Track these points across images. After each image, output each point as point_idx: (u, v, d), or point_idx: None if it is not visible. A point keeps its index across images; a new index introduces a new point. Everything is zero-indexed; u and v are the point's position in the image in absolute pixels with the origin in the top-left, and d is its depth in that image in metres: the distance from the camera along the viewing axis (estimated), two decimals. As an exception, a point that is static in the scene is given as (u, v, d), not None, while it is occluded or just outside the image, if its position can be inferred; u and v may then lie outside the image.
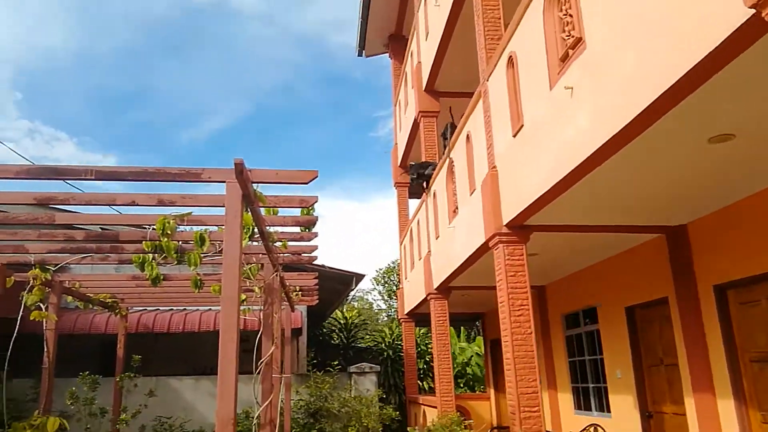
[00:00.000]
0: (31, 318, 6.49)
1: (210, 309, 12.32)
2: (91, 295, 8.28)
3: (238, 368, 3.20)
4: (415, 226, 12.42)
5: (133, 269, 5.44)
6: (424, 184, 10.50)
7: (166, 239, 4.79)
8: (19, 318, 5.81)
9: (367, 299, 35.73)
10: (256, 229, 4.37)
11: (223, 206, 3.42)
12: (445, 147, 10.02)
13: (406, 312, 14.14)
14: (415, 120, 12.01)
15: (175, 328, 11.87)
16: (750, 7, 2.58)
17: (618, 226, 6.47)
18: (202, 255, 5.26)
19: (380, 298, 34.63)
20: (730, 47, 2.88)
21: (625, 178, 4.91)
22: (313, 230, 4.92)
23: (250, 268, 5.89)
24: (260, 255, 5.84)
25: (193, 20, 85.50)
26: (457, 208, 8.47)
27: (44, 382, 6.92)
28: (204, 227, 4.68)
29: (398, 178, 15.12)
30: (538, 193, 5.31)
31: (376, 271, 34.15)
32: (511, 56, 5.82)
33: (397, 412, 12.47)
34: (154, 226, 4.41)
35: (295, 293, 8.04)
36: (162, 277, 5.88)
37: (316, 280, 7.95)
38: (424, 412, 12.36)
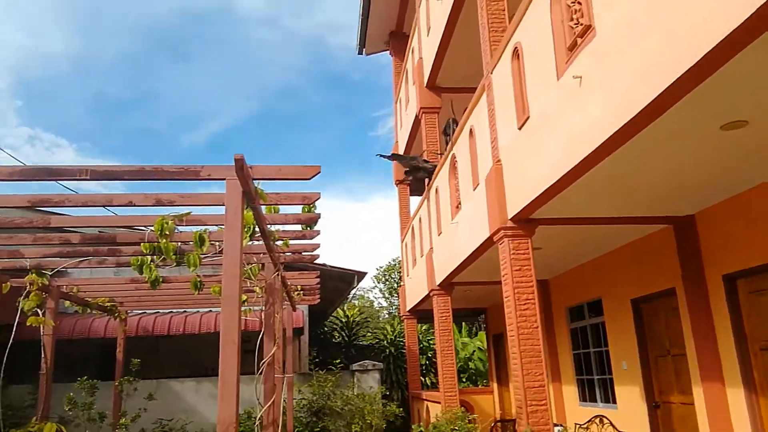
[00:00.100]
0: (28, 324, 6.37)
1: (210, 310, 12.20)
2: (90, 299, 8.17)
3: (240, 369, 3.09)
4: (416, 224, 12.32)
5: (132, 272, 5.32)
6: (426, 181, 10.39)
7: (164, 240, 4.67)
8: (15, 324, 5.66)
9: (368, 297, 35.66)
10: (256, 228, 4.26)
11: (223, 205, 3.31)
12: (446, 144, 9.91)
13: (407, 309, 14.05)
14: (417, 116, 11.89)
15: (176, 331, 11.74)
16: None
17: (625, 218, 6.38)
18: (202, 256, 5.16)
19: (381, 295, 34.55)
20: (747, 31, 2.79)
21: (634, 167, 4.81)
22: (315, 228, 4.80)
23: (250, 268, 5.78)
24: (261, 254, 5.73)
25: (192, 25, 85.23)
26: (460, 203, 8.37)
27: (42, 388, 6.80)
28: (203, 227, 4.56)
29: (399, 176, 14.97)
30: (544, 186, 5.21)
31: (377, 269, 34.08)
32: (516, 47, 5.70)
33: (401, 409, 12.38)
34: (152, 228, 4.30)
35: (296, 293, 7.93)
36: (161, 280, 5.77)
37: (318, 279, 7.84)
38: (427, 407, 12.28)
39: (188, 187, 4.01)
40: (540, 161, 5.30)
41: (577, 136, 4.53)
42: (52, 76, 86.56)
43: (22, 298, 6.22)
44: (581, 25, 4.31)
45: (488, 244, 6.90)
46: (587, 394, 9.50)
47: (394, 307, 32.11)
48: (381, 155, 10.16)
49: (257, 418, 4.94)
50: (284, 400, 7.24)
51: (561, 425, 8.99)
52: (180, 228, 4.82)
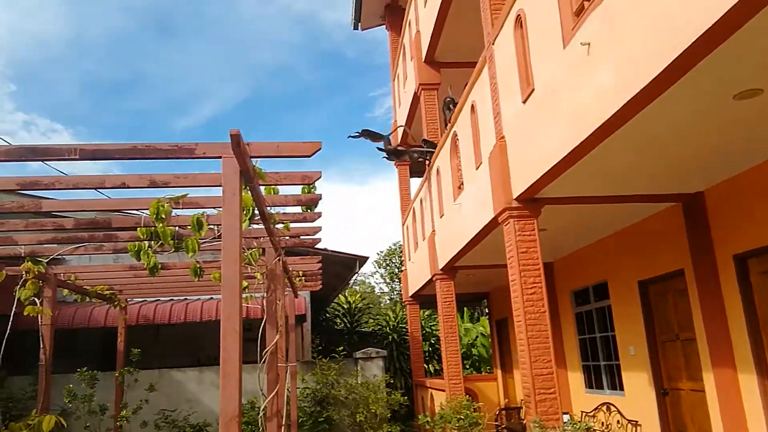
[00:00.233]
0: (25, 313, 6.24)
1: (212, 298, 12.09)
2: (88, 287, 8.05)
3: (242, 359, 2.97)
4: (417, 206, 12.15)
5: (131, 259, 5.18)
6: (427, 162, 10.19)
7: (161, 225, 4.53)
8: (12, 314, 5.54)
9: (369, 283, 35.60)
10: (256, 211, 4.12)
11: (221, 186, 3.16)
12: (446, 124, 9.70)
13: (410, 294, 13.94)
14: (415, 93, 11.64)
15: (177, 319, 11.65)
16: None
17: (632, 196, 6.23)
18: (201, 241, 5.02)
19: (382, 281, 34.49)
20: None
21: (644, 140, 4.66)
22: (316, 210, 4.65)
23: (251, 253, 5.64)
24: (261, 239, 5.59)
25: (183, 2, 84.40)
26: (462, 183, 8.20)
27: (41, 380, 6.69)
28: (201, 210, 4.41)
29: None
30: (551, 163, 5.05)
31: (378, 254, 33.98)
32: (519, 15, 5.51)
33: (405, 398, 12.31)
34: (148, 211, 4.15)
35: (298, 279, 7.80)
36: (160, 266, 5.64)
37: (320, 264, 7.71)
38: (431, 395, 12.22)
39: (185, 167, 3.86)
40: (546, 136, 5.13)
41: (585, 108, 4.36)
42: (44, 57, 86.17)
43: (18, 287, 6.10)
44: (589, -12, 4.13)
45: (492, 225, 6.76)
46: (593, 381, 9.40)
47: (395, 293, 32.07)
48: (351, 135, 9.52)
49: (261, 409, 4.83)
50: (288, 390, 7.14)
51: (568, 413, 8.91)
52: (177, 212, 4.68)
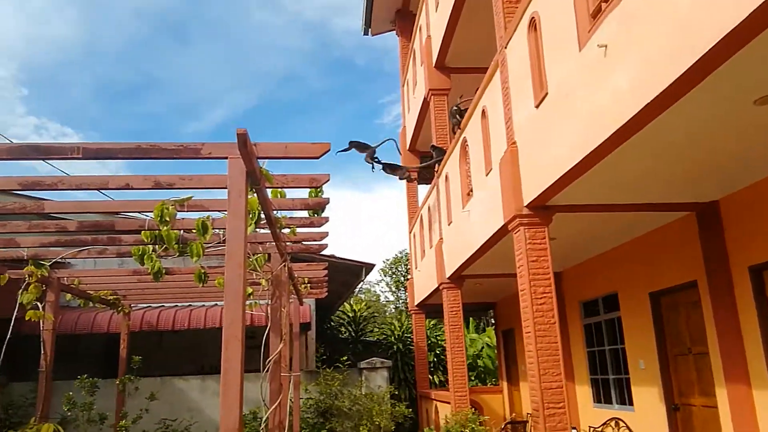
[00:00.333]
0: (27, 318, 6.17)
1: (216, 304, 11.99)
2: (92, 292, 7.98)
3: (244, 368, 2.87)
4: (425, 213, 12.04)
5: (136, 263, 5.10)
6: (435, 167, 10.08)
7: (165, 228, 4.44)
8: (13, 318, 5.45)
9: (375, 291, 35.42)
10: (262, 215, 4.03)
11: (226, 188, 3.07)
12: (453, 132, 9.60)
13: (416, 303, 13.79)
14: (425, 99, 11.56)
15: (180, 325, 11.54)
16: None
17: (646, 205, 6.11)
18: (205, 245, 4.93)
19: (388, 289, 34.30)
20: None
21: (660, 147, 4.55)
22: (324, 214, 4.55)
23: (256, 259, 5.55)
24: (267, 244, 5.50)
25: (194, 8, 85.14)
26: (471, 190, 8.09)
27: (41, 386, 6.58)
28: (206, 213, 4.33)
29: (407, 162, 14.68)
30: (563, 169, 4.94)
31: (384, 262, 33.83)
32: (533, 18, 5.42)
33: (410, 409, 12.13)
34: (152, 214, 4.07)
35: (303, 285, 7.70)
36: (164, 271, 5.55)
37: (326, 271, 7.60)
38: (436, 407, 12.03)
39: (191, 169, 3.78)
40: (559, 142, 5.02)
41: (601, 112, 4.26)
42: (57, 61, 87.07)
43: (21, 290, 6.03)
44: (606, -12, 4.04)
45: (502, 233, 6.64)
46: (602, 395, 9.23)
47: (401, 302, 31.87)
48: (339, 150, 9.08)
49: (263, 420, 4.71)
50: (290, 400, 7.02)
51: (576, 428, 8.72)
52: (182, 215, 4.60)
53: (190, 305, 12.13)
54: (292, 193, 4.16)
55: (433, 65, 10.96)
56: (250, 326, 9.67)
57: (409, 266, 17.30)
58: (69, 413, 8.44)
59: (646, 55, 3.69)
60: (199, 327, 11.63)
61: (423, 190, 13.88)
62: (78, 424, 8.57)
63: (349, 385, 11.99)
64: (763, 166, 5.20)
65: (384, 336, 17.44)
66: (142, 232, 4.67)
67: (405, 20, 15.48)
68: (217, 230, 4.73)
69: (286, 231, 4.88)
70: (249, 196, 3.49)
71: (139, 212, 4.48)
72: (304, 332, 13.31)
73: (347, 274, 14.26)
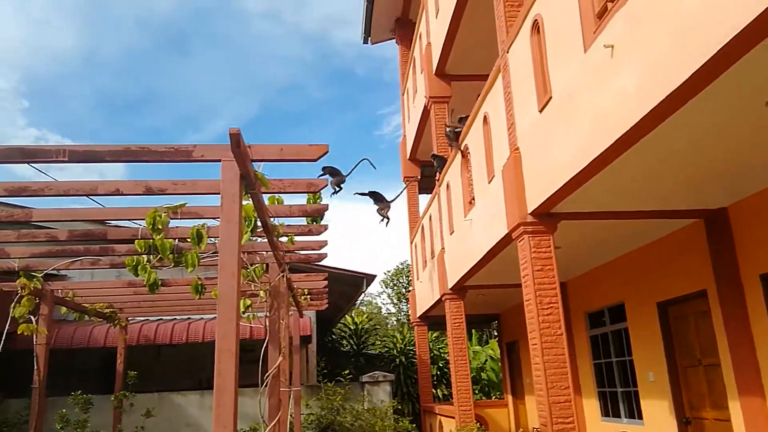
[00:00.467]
0: (19, 332, 6.01)
1: (215, 317, 11.78)
2: (87, 305, 7.81)
3: (238, 383, 2.72)
4: (426, 222, 11.90)
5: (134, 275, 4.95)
6: (436, 175, 9.95)
7: (158, 236, 4.30)
8: (5, 332, 5.29)
9: (376, 303, 35.15)
10: (258, 223, 3.88)
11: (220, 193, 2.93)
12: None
13: (418, 315, 13.60)
14: (425, 107, 11.48)
15: (178, 339, 11.35)
16: None
17: (652, 212, 5.98)
18: (201, 255, 4.78)
19: (389, 301, 34.04)
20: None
21: (668, 151, 4.42)
22: (323, 222, 4.41)
23: (254, 269, 5.40)
24: (264, 254, 5.35)
25: (194, 20, 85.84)
26: (473, 198, 7.96)
27: (34, 403, 6.39)
28: (201, 221, 4.19)
29: (407, 172, 14.60)
30: (569, 175, 4.81)
31: (385, 274, 33.59)
32: (536, 20, 5.33)
33: (414, 425, 11.88)
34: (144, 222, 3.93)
35: (303, 297, 7.54)
36: (160, 283, 5.39)
37: (326, 282, 7.44)
38: (440, 422, 11.80)
39: (185, 175, 3.65)
40: (564, 147, 4.90)
41: (607, 116, 4.14)
42: (58, 73, 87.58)
43: (13, 303, 5.87)
44: (612, -13, 3.93)
45: (506, 241, 6.50)
46: (610, 409, 9.03)
47: (402, 314, 31.62)
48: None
49: (262, 439, 4.53)
50: (291, 416, 6.82)
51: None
52: (176, 223, 4.46)
53: (188, 318, 11.94)
54: (289, 200, 4.02)
55: (434, 72, 10.88)
56: (249, 339, 9.48)
57: (410, 278, 17.13)
58: (62, 431, 8.22)
59: (654, 56, 3.57)
60: (198, 340, 11.44)
61: (424, 199, 13.77)
62: (71, 442, 8.37)
63: (351, 400, 11.77)
64: (773, 170, 5.06)
65: (386, 349, 17.22)
66: (136, 241, 4.53)
67: (405, 28, 15.47)
68: (212, 239, 4.59)
69: (283, 239, 4.73)
70: (244, 202, 3.36)
71: (130, 220, 4.34)
72: (305, 345, 13.10)
73: (348, 285, 14.08)
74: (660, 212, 6.04)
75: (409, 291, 15.73)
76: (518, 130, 5.95)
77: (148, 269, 4.97)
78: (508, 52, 6.17)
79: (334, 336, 19.23)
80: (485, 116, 7.13)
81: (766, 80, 3.42)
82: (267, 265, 5.41)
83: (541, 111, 5.32)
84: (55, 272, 5.71)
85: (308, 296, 7.70)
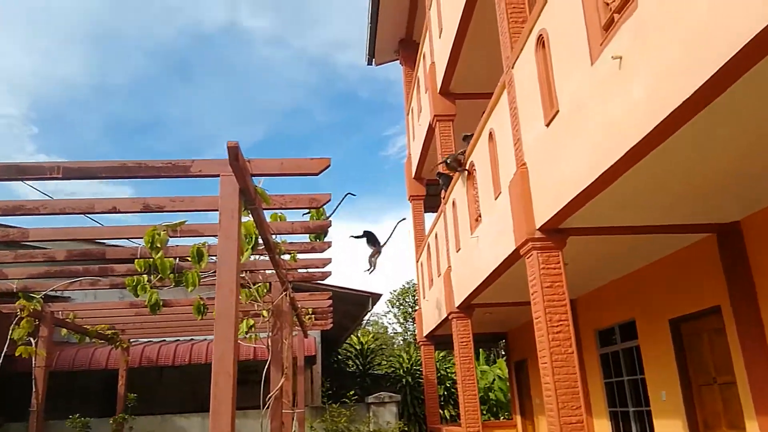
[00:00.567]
0: (17, 354, 5.90)
1: (218, 338, 11.64)
2: (89, 326, 7.70)
3: (236, 407, 2.61)
4: (432, 241, 11.77)
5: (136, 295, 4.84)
6: (442, 193, 9.85)
7: (158, 255, 4.20)
8: (2, 354, 5.17)
9: (382, 323, 34.86)
10: (260, 240, 3.78)
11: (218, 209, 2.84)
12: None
13: (424, 334, 13.40)
14: (430, 125, 11.44)
15: (181, 361, 11.19)
16: None
17: (663, 226, 5.84)
18: (202, 274, 4.68)
19: (395, 321, 33.75)
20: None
21: (680, 163, 4.31)
22: (326, 239, 4.30)
23: (257, 288, 5.29)
24: (266, 272, 5.24)
25: (199, 47, 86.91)
26: (480, 216, 7.85)
27: (32, 426, 6.25)
28: (202, 239, 4.10)
29: (413, 191, 14.54)
30: (577, 190, 4.70)
31: (391, 293, 33.37)
32: (541, 35, 5.27)
33: (421, 448, 11.64)
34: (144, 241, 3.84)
35: (307, 316, 7.40)
36: (161, 304, 5.28)
37: (330, 301, 7.31)
38: (448, 443, 11.54)
39: (185, 192, 3.56)
40: (572, 161, 4.80)
41: (616, 128, 4.04)
42: (67, 100, 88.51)
43: (12, 325, 5.77)
44: (618, -1, 3.86)
45: (514, 258, 6.37)
46: (622, 429, 8.81)
47: (409, 333, 31.32)
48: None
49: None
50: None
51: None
52: (176, 241, 4.37)
53: (191, 339, 11.79)
54: (291, 217, 3.92)
55: (438, 91, 10.86)
56: (252, 360, 9.33)
57: (416, 297, 16.94)
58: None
59: (663, 66, 3.48)
60: (200, 362, 11.27)
61: (429, 218, 13.67)
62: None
63: (357, 422, 11.54)
64: (788, 182, 4.94)
65: (392, 369, 16.97)
66: (135, 261, 4.44)
67: (408, 49, 15.56)
68: (214, 258, 4.49)
69: (286, 257, 4.62)
70: (244, 219, 3.26)
71: (129, 239, 4.25)
72: (309, 366, 12.90)
73: (353, 304, 13.92)
74: (671, 227, 5.91)
75: (416, 310, 15.53)
76: (525, 145, 5.87)
77: (148, 289, 4.88)
78: (513, 67, 6.12)
79: (339, 356, 18.99)
80: (491, 132, 7.05)
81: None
82: (270, 284, 5.31)
83: (547, 125, 5.24)
84: (54, 293, 5.62)
85: (312, 316, 7.56)
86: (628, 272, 8.08)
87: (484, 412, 17.58)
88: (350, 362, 18.09)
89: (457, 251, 9.39)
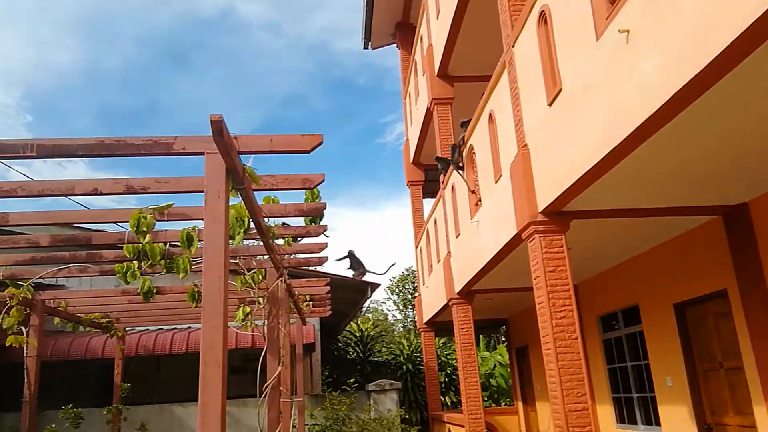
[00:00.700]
0: (7, 344, 5.76)
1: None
2: (82, 315, 7.55)
3: (226, 397, 2.46)
4: (431, 226, 11.62)
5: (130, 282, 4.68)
6: (440, 177, 9.67)
7: (146, 241, 4.04)
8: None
9: (382, 310, 34.86)
10: (251, 224, 3.62)
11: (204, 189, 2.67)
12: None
13: (424, 321, 13.29)
14: (428, 109, 11.22)
15: (178, 349, 11.05)
16: None
17: (669, 209, 5.68)
18: (193, 259, 4.52)
19: (395, 308, 33.75)
20: None
21: (688, 142, 4.14)
22: (322, 222, 4.13)
23: (252, 275, 5.13)
24: (261, 259, 5.09)
25: (195, 33, 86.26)
26: (480, 200, 7.68)
27: (24, 417, 6.12)
28: (192, 223, 3.93)
29: (411, 176, 14.38)
30: (581, 171, 4.53)
31: (390, 280, 33.34)
32: (543, 11, 5.07)
33: (422, 434, 11.57)
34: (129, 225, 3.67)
35: (305, 303, 7.26)
36: (155, 291, 5.13)
37: (328, 287, 7.16)
38: (449, 430, 11.46)
39: (172, 173, 3.38)
40: (576, 141, 4.62)
41: (623, 106, 3.86)
42: (60, 88, 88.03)
43: (1, 314, 5.63)
44: (625, -31, 3.67)
45: (515, 242, 6.22)
46: (626, 415, 8.69)
47: (409, 320, 31.31)
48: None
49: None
50: (295, 426, 6.54)
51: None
52: (165, 225, 4.20)
53: (189, 327, 11.67)
54: (284, 199, 3.75)
55: (436, 74, 10.64)
56: (251, 348, 9.19)
57: (416, 284, 16.83)
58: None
59: (674, 38, 3.29)
60: (198, 350, 11.13)
61: (428, 204, 13.51)
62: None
63: (357, 410, 11.45)
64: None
65: (393, 356, 16.89)
66: (124, 246, 4.28)
67: (405, 33, 15.28)
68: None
69: (280, 242, 4.46)
70: (234, 201, 3.10)
71: (115, 223, 4.09)
72: (309, 354, 12.80)
73: (352, 291, 13.80)
74: (677, 209, 5.75)
75: (415, 297, 15.42)
76: (526, 125, 5.69)
77: (138, 276, 4.72)
78: (513, 46, 5.91)
79: (339, 344, 18.91)
80: (491, 114, 6.86)
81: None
82: (265, 270, 5.15)
83: (550, 105, 5.05)
84: (42, 280, 5.46)
85: (310, 303, 7.42)
86: (631, 256, 7.92)
87: (486, 399, 17.53)
88: (350, 349, 18.01)
89: (457, 237, 9.23)
